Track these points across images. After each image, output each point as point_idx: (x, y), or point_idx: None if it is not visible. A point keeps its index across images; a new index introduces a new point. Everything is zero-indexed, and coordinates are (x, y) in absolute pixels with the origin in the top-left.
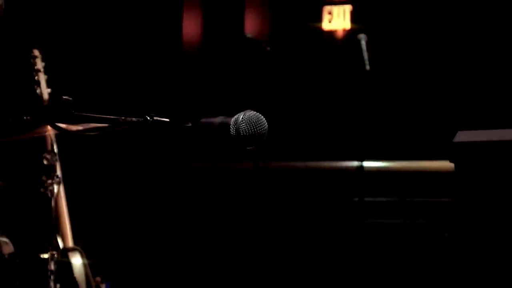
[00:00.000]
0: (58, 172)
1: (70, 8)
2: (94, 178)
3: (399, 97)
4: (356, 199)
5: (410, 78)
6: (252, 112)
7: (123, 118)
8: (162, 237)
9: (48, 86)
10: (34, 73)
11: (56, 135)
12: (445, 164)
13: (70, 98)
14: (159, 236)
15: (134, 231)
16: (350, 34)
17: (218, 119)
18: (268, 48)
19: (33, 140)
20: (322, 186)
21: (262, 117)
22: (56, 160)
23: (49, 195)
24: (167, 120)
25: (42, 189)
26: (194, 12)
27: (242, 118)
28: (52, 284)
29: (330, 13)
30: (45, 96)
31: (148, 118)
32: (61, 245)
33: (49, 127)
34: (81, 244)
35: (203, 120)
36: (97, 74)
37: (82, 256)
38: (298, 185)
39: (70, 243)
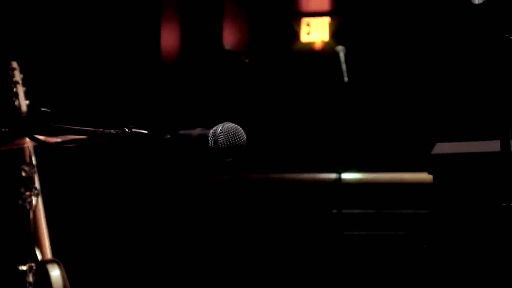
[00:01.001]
0: (37, 184)
1: (48, 20)
2: (72, 190)
3: (377, 108)
4: (334, 211)
5: (389, 90)
6: (230, 124)
7: (101, 130)
8: (140, 248)
9: (27, 98)
10: (12, 85)
11: (35, 147)
12: (424, 176)
13: (49, 110)
14: (138, 247)
15: (112, 242)
16: (328, 46)
17: (196, 131)
18: (247, 60)
19: (11, 152)
20: (300, 198)
21: (240, 128)
22: (34, 172)
23: (28, 207)
24: (146, 132)
25: (20, 201)
26: (173, 23)
27: (221, 130)
28: None
29: (308, 25)
30: (24, 108)
31: (127, 130)
32: (39, 257)
33: (27, 139)
34: (59, 256)
35: (182, 132)
36: (75, 86)
37: (60, 268)
38: (276, 197)
39: (48, 255)
